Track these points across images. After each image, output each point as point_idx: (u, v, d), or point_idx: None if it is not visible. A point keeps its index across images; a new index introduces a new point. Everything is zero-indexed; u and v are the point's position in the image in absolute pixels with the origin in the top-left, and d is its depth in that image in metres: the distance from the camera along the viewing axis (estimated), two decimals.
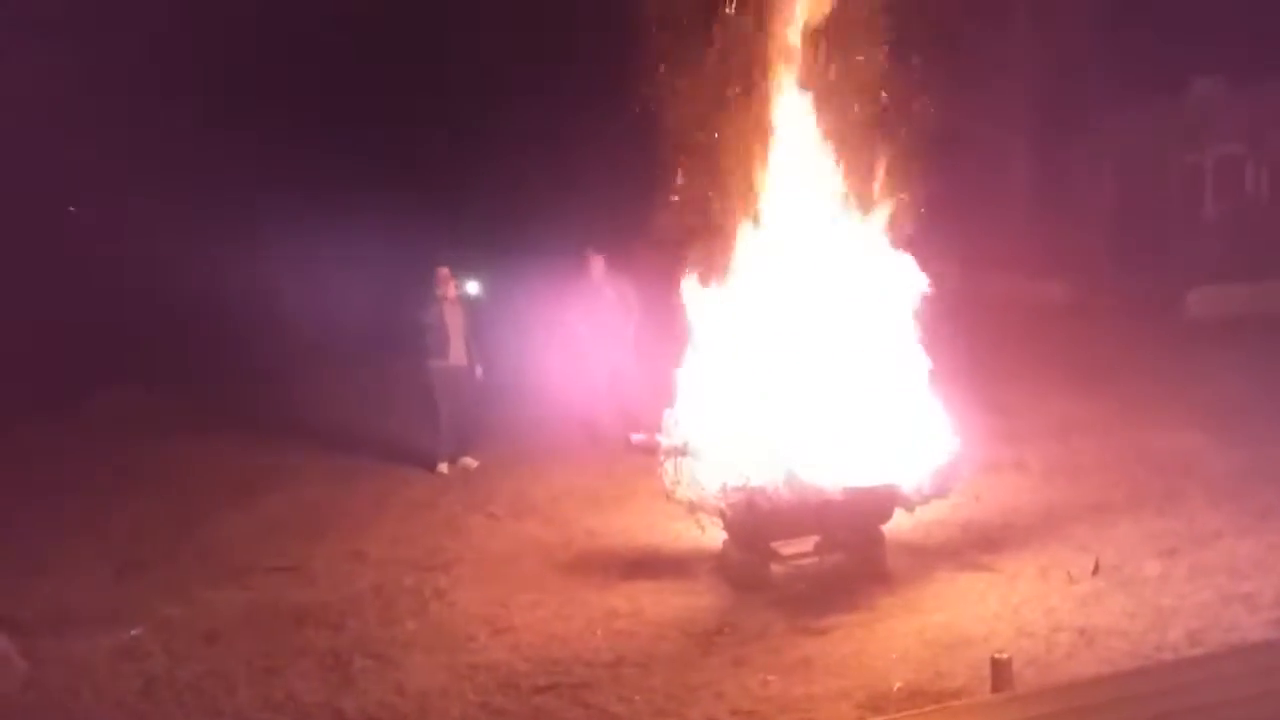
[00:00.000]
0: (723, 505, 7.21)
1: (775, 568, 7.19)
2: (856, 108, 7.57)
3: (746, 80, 7.71)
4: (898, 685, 5.58)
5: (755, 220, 7.64)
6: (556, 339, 11.65)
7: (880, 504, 7.25)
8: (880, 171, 7.65)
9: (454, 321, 10.66)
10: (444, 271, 10.70)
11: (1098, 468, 9.41)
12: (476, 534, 8.80)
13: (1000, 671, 4.83)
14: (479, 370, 10.82)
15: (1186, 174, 21.21)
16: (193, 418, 13.82)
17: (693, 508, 7.48)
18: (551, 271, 12.16)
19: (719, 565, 7.46)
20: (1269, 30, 20.05)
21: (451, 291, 10.68)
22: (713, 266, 7.73)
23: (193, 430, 13.10)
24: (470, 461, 10.84)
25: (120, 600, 7.61)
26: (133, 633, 6.97)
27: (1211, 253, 19.24)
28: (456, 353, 10.65)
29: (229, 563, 8.31)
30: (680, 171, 7.83)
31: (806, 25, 7.55)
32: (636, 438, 7.58)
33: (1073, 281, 19.54)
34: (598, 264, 11.23)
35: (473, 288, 11.04)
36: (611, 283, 11.20)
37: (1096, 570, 6.94)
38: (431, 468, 10.71)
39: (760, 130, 7.63)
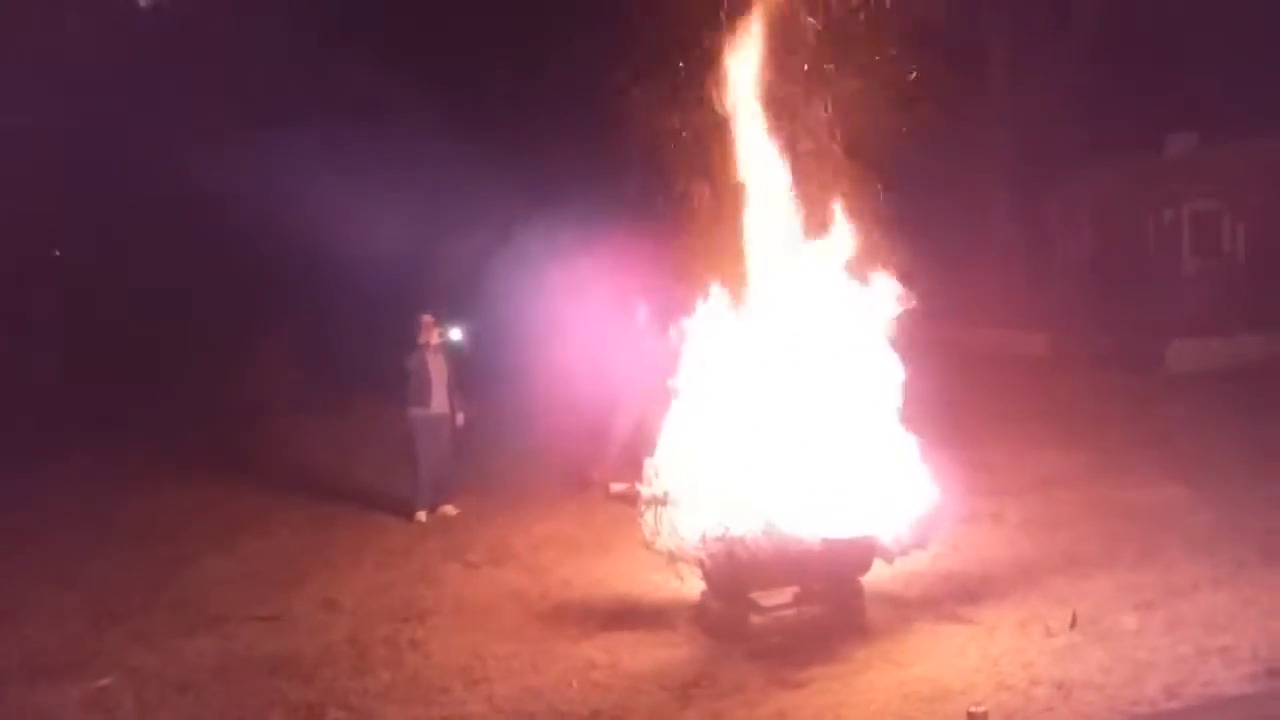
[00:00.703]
0: (702, 555, 7.20)
1: (754, 619, 7.16)
2: (832, 163, 7.67)
3: (724, 144, 7.83)
4: None
5: (738, 278, 7.70)
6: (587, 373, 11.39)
7: (859, 555, 7.26)
8: (861, 225, 7.76)
9: (436, 369, 10.66)
10: (428, 319, 10.71)
11: (1076, 520, 9.43)
12: (454, 583, 8.73)
13: None
14: (460, 418, 10.79)
15: (1164, 229, 21.48)
16: (168, 464, 13.70)
17: (672, 558, 7.47)
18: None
19: (697, 616, 7.43)
20: (1243, 88, 20.49)
21: (435, 339, 10.69)
22: (697, 318, 7.79)
23: (168, 478, 12.98)
24: (450, 510, 10.78)
25: (92, 650, 7.52)
26: (103, 682, 6.88)
27: (1189, 307, 19.45)
28: (438, 401, 10.63)
29: (203, 611, 8.22)
30: (666, 227, 7.94)
31: (782, 85, 7.67)
32: (616, 487, 7.59)
33: (1052, 334, 19.70)
34: (643, 312, 11.04)
35: (456, 335, 10.98)
36: (653, 332, 10.94)
37: (1074, 623, 6.94)
38: (410, 516, 10.64)
39: (737, 189, 7.72)
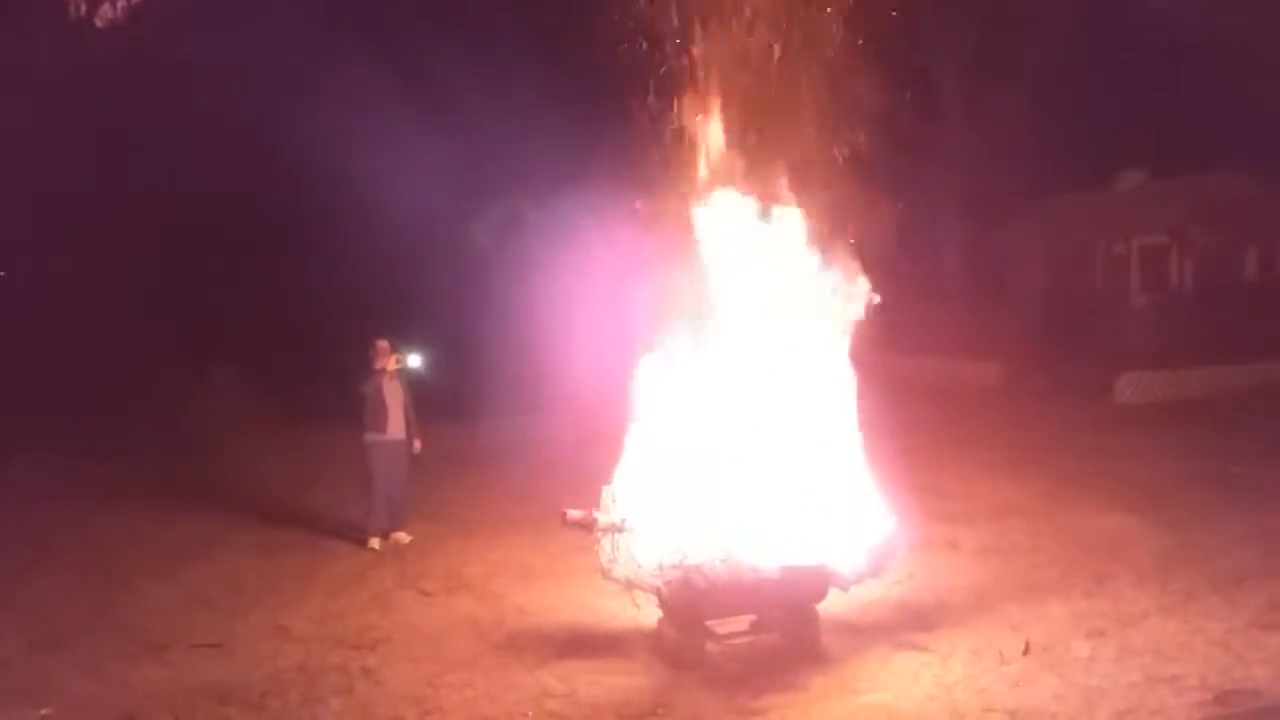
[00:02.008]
0: (659, 583, 7.17)
1: (710, 647, 7.14)
2: (789, 189, 7.74)
3: (687, 170, 7.88)
4: None
5: (696, 305, 7.73)
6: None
7: (815, 583, 7.26)
8: (816, 253, 7.82)
9: (393, 395, 10.56)
10: (383, 344, 10.62)
11: (1029, 548, 9.53)
12: (407, 610, 8.62)
13: None
14: (416, 444, 10.69)
15: (1114, 263, 21.88)
16: (114, 486, 13.44)
17: (628, 585, 7.43)
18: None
19: (654, 644, 7.38)
20: (1191, 127, 21.00)
21: (391, 364, 10.59)
22: (656, 347, 7.79)
23: (114, 499, 12.73)
24: (403, 537, 10.66)
25: (32, 677, 7.30)
26: (43, 712, 6.68)
27: (1138, 340, 19.81)
28: (395, 426, 10.53)
29: (148, 638, 8.02)
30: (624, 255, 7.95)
31: (741, 108, 7.74)
32: (573, 514, 7.52)
33: (1003, 365, 19.96)
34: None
35: (413, 360, 10.89)
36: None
37: (1027, 650, 6.99)
38: (363, 542, 10.51)
39: (690, 217, 7.76)
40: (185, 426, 15.76)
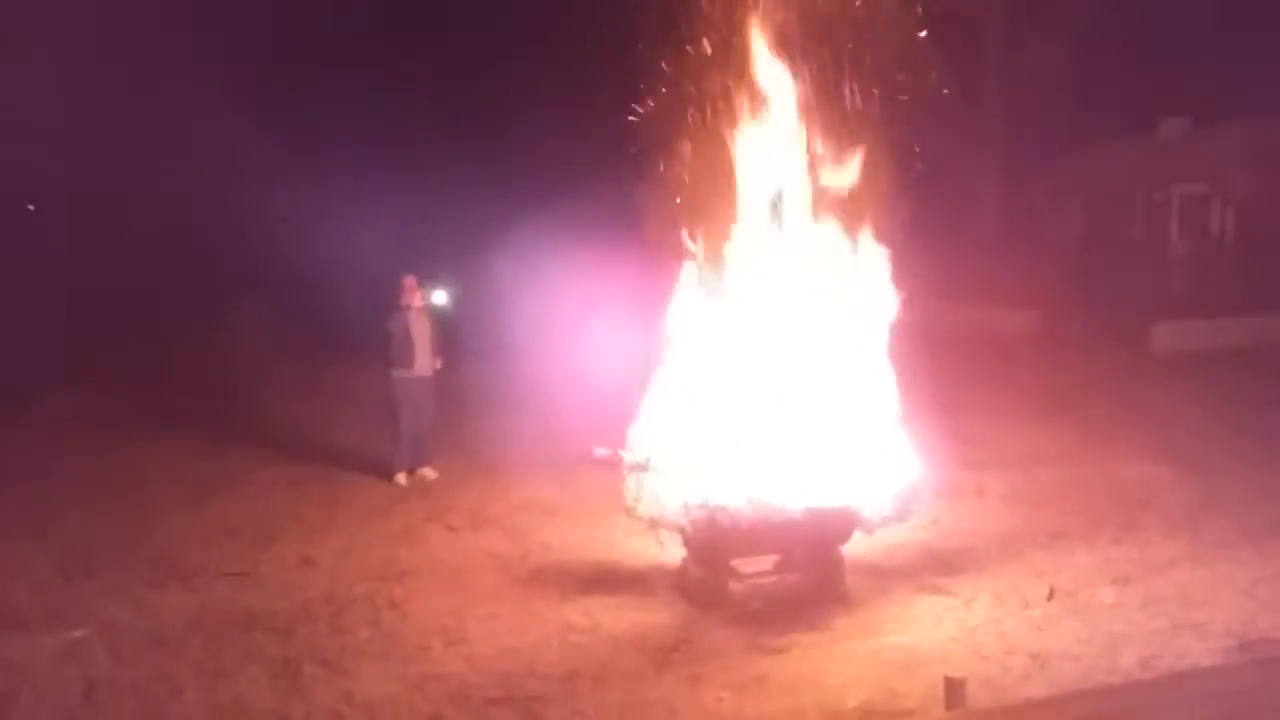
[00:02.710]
0: (683, 522, 7.17)
1: (734, 585, 7.15)
2: (827, 136, 7.60)
3: (725, 107, 7.74)
4: (852, 704, 5.56)
5: (727, 244, 7.64)
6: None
7: (840, 525, 7.24)
8: (853, 197, 7.69)
9: (420, 331, 10.56)
10: (410, 280, 10.60)
11: (1057, 496, 9.45)
12: (433, 545, 8.69)
13: (954, 690, 4.80)
14: (437, 363, 10.65)
15: (1153, 211, 21.50)
16: (145, 419, 13.60)
17: (653, 524, 7.45)
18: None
19: (678, 582, 7.41)
20: (1233, 74, 20.47)
21: (418, 301, 10.58)
22: (685, 287, 7.73)
23: (144, 432, 12.88)
24: (430, 473, 10.72)
25: (65, 602, 7.44)
26: (76, 634, 6.81)
27: (1176, 288, 19.51)
28: (421, 363, 10.54)
29: (178, 567, 8.14)
30: (657, 190, 7.86)
31: (780, 51, 7.57)
32: (600, 451, 7.53)
33: (1040, 313, 19.72)
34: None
35: (439, 297, 10.88)
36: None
37: (1051, 596, 6.97)
38: (389, 478, 10.58)
39: (731, 158, 7.65)
40: (214, 361, 15.86)
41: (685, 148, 7.75)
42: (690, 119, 7.80)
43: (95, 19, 18.91)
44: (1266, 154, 19.48)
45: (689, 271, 7.69)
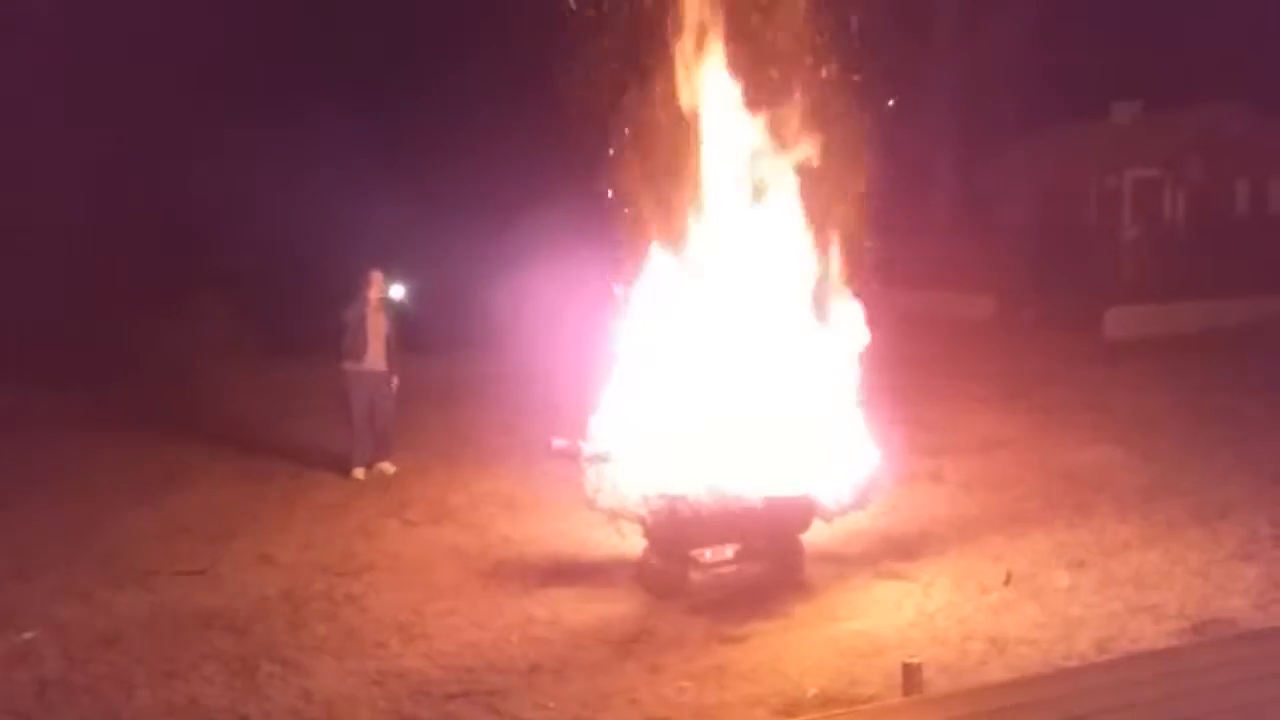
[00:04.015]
0: (644, 512, 7.16)
1: (694, 575, 7.15)
2: (779, 114, 7.58)
3: (675, 96, 7.69)
4: (812, 692, 5.58)
5: (681, 231, 7.62)
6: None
7: (799, 513, 7.27)
8: (806, 181, 7.70)
9: (375, 325, 10.45)
10: (377, 274, 10.49)
11: (1013, 480, 9.55)
12: (391, 539, 8.61)
13: (911, 676, 4.84)
14: (394, 381, 10.58)
15: (1106, 196, 21.74)
16: (94, 414, 13.36)
17: (613, 515, 7.44)
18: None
19: (638, 573, 7.40)
20: (1186, 60, 20.75)
21: (375, 293, 10.48)
22: (640, 276, 7.70)
23: (92, 429, 12.65)
24: (388, 467, 10.63)
25: (14, 602, 7.26)
26: (26, 635, 6.67)
27: (1129, 273, 19.77)
28: (374, 357, 10.42)
29: (131, 565, 7.99)
30: (610, 178, 7.80)
31: (729, 31, 7.55)
32: (558, 443, 7.49)
33: (995, 298, 19.91)
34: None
35: (397, 293, 10.78)
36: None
37: (1008, 581, 7.03)
38: (347, 473, 10.48)
39: (683, 140, 7.62)
40: (167, 355, 15.61)
41: (628, 135, 7.67)
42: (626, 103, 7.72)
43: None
44: (1218, 139, 19.77)
45: (646, 262, 7.66)
